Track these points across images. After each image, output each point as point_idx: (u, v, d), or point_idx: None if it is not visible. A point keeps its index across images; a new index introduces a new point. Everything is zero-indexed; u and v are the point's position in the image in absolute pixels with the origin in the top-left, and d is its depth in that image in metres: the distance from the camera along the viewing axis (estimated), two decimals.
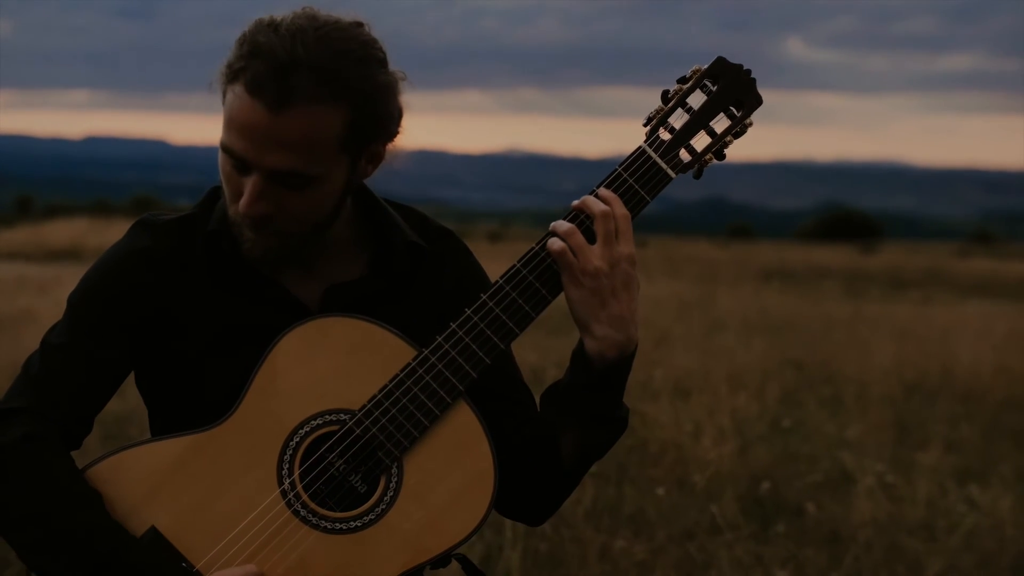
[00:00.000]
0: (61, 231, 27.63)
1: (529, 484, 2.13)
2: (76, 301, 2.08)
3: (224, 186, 2.04)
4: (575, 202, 2.02)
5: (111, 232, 26.67)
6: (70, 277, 15.82)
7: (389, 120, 2.03)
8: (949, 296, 21.95)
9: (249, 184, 1.97)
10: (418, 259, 2.16)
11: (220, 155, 2.01)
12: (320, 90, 1.92)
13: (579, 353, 2.05)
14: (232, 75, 1.95)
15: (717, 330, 12.34)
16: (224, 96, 1.99)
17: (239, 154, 1.95)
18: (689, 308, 14.07)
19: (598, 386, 2.04)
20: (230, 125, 1.95)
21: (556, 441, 2.09)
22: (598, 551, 4.88)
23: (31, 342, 9.58)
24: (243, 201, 1.97)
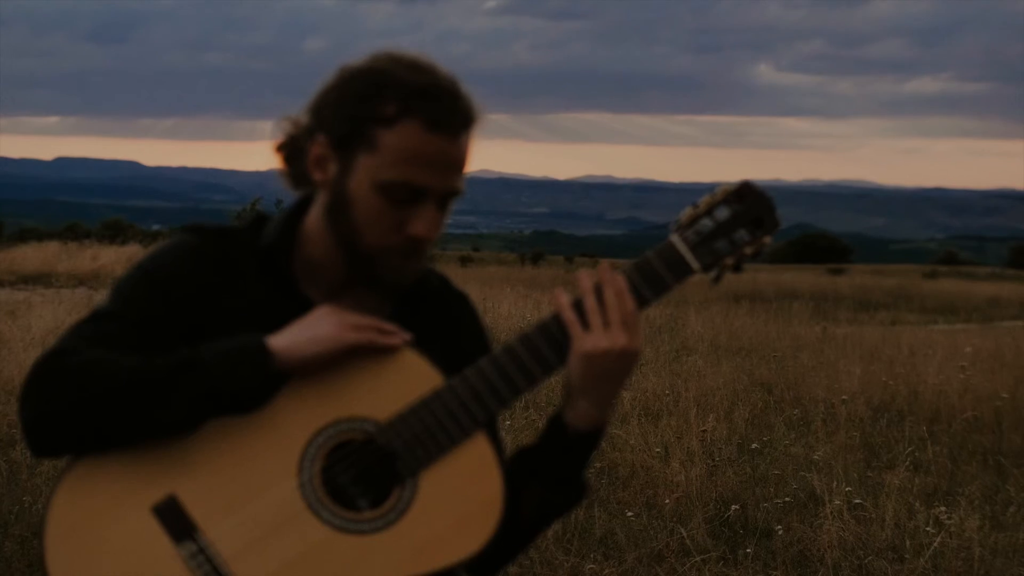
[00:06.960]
0: (32, 255, 27.51)
1: None
2: (126, 284, 2.12)
3: (373, 223, 2.08)
4: (586, 281, 2.10)
5: (82, 256, 26.56)
6: (40, 301, 15.78)
7: None
8: (916, 317, 22.11)
9: (427, 211, 2.07)
10: (443, 308, 2.29)
11: (373, 195, 2.07)
12: (474, 110, 2.09)
13: (556, 420, 2.16)
14: (390, 119, 2.03)
15: (686, 353, 12.40)
16: (367, 142, 2.06)
17: (420, 186, 2.05)
18: (659, 331, 14.13)
19: (567, 452, 2.16)
20: (409, 162, 2.04)
21: (518, 497, 2.18)
22: (568, 574, 4.91)
23: (2, 366, 9.49)
24: (424, 228, 2.07)
